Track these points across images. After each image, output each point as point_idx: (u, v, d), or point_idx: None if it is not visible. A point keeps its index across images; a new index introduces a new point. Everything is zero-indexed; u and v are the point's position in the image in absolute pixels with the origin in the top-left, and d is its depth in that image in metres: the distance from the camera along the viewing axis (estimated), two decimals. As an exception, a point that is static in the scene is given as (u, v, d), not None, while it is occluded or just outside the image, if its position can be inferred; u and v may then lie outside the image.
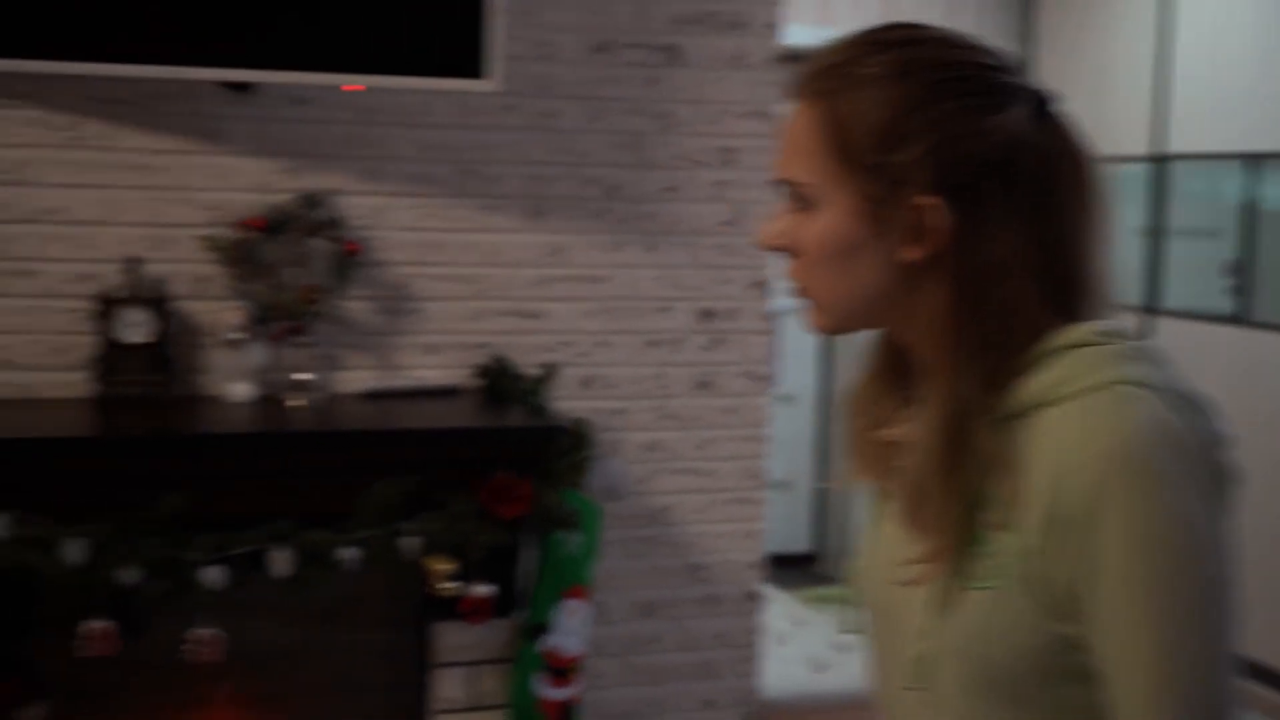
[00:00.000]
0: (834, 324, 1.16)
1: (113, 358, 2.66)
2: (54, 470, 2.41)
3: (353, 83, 2.65)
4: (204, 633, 2.37)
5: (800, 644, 4.10)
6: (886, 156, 1.07)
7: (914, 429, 1.12)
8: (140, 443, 2.49)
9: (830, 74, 1.11)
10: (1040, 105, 1.08)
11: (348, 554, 2.44)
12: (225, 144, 2.76)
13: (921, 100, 1.07)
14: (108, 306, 2.65)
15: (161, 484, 2.40)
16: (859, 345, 1.23)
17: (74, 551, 2.29)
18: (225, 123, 2.76)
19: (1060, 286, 1.08)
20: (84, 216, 2.70)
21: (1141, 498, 0.97)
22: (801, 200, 1.13)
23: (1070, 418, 1.00)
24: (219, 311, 2.75)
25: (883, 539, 1.20)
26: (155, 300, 2.67)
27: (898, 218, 1.07)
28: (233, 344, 2.73)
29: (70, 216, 2.69)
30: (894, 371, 1.21)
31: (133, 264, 2.67)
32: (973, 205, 1.06)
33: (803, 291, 1.16)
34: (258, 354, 2.74)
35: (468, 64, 2.64)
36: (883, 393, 1.22)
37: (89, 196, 2.70)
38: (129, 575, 2.33)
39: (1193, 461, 0.98)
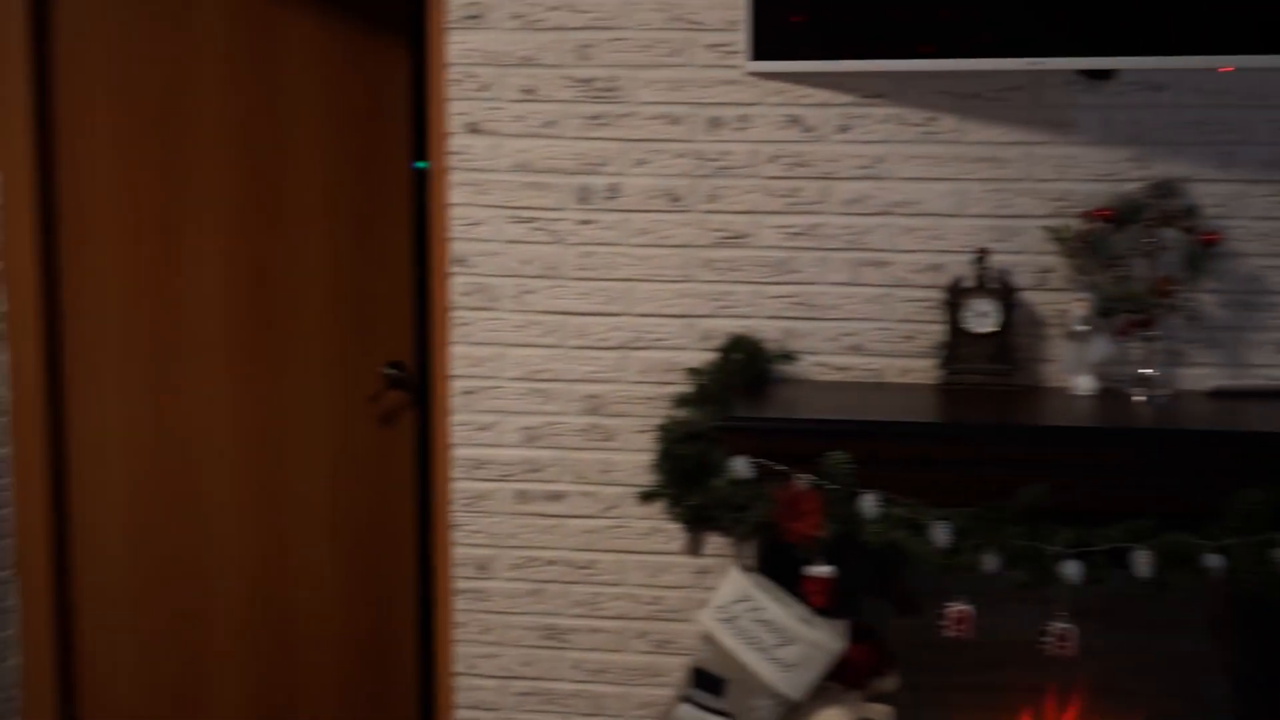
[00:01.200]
0: None
1: (958, 346, 2.72)
2: (909, 453, 2.49)
3: (1223, 64, 2.50)
4: (1063, 627, 2.36)
5: None
6: None
7: None
8: (990, 431, 2.52)
9: None
10: None
11: (1212, 561, 2.31)
12: (1072, 133, 2.73)
13: None
14: (955, 296, 2.72)
15: (1008, 473, 2.41)
16: None
17: (939, 534, 2.36)
18: (1074, 112, 2.73)
19: None
20: (934, 209, 2.78)
21: None
22: None
23: None
24: (1063, 303, 2.73)
25: None
26: (1001, 291, 2.70)
27: None
28: (1076, 336, 2.69)
29: (921, 209, 2.79)
30: None
31: (980, 255, 2.72)
32: None
33: None
34: (1101, 347, 2.68)
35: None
36: None
37: (939, 189, 2.78)
38: (988, 562, 2.36)
39: None
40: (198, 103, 3.20)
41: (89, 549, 3.27)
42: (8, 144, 3.07)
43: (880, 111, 2.78)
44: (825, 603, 2.45)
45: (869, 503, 2.39)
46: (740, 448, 2.47)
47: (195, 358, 3.27)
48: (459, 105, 2.90)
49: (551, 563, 2.98)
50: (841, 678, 2.52)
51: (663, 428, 2.51)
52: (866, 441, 2.44)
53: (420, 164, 3.56)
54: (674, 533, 2.88)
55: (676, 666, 2.94)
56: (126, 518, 3.28)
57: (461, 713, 3.04)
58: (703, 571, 2.91)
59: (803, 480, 2.40)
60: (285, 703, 3.42)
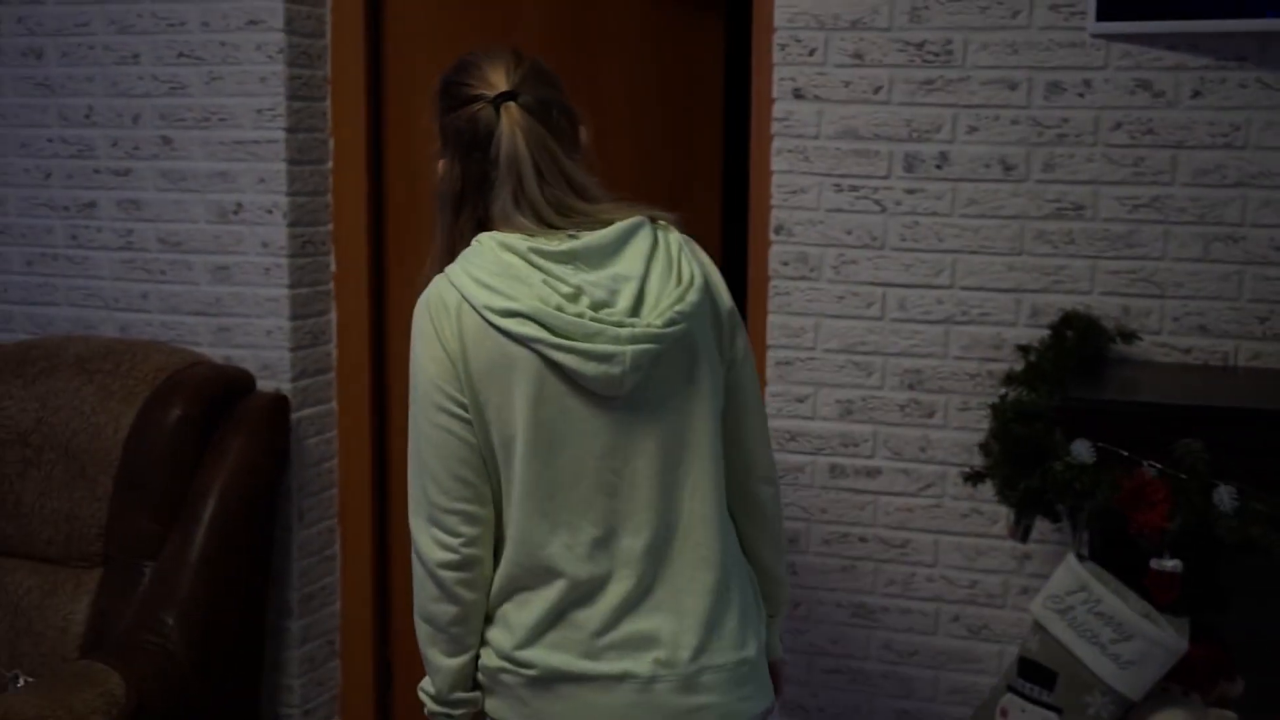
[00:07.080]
0: None
1: (1322, 330, 2.52)
2: (1270, 444, 2.32)
3: None
4: None
5: None
6: None
7: None
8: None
9: None
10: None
11: None
12: None
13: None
14: (1321, 275, 2.51)
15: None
16: None
17: (1305, 532, 2.19)
18: None
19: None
20: (1297, 180, 2.58)
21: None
22: None
23: None
24: None
25: None
26: (1374, 270, 2.49)
27: None
28: None
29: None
30: None
31: (1351, 231, 2.50)
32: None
33: None
34: None
35: None
36: None
37: (1304, 159, 2.58)
38: (1360, 564, 2.18)
39: (424, 319, 1.89)
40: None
41: (406, 501, 3.37)
42: (342, 105, 3.18)
43: (1240, 75, 2.59)
44: (1172, 598, 2.31)
45: (1226, 495, 2.23)
46: (1081, 431, 2.34)
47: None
48: (784, 70, 2.84)
49: (864, 540, 2.91)
50: (1182, 679, 2.37)
51: (998, 406, 2.41)
52: (1222, 429, 2.28)
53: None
54: (994, 515, 2.78)
55: (992, 654, 2.84)
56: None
57: (766, 685, 3.01)
58: (1024, 557, 2.79)
59: (1151, 468, 2.26)
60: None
